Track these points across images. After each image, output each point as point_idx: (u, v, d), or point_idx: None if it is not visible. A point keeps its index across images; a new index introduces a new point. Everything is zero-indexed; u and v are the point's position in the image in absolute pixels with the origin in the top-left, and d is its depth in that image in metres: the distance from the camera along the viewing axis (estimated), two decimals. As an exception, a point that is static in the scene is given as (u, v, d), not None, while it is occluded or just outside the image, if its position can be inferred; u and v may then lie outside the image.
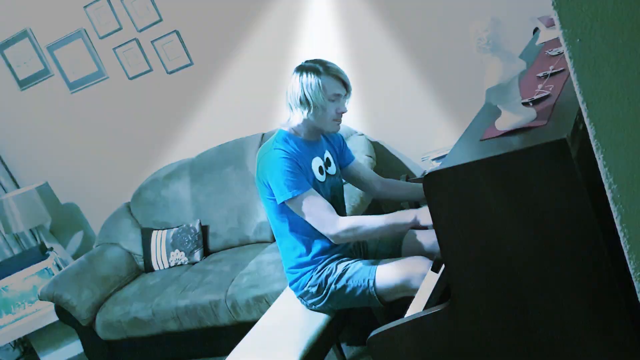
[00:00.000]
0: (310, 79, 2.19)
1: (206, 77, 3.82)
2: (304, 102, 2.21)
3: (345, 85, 2.26)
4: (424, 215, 2.06)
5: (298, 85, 2.21)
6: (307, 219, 2.19)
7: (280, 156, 2.19)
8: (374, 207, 3.20)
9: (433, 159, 3.18)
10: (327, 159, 2.39)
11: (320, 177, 2.30)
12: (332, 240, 2.21)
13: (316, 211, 2.17)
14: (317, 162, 2.31)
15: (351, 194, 2.95)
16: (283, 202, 2.19)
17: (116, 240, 3.99)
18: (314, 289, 2.29)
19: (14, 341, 4.37)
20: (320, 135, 2.38)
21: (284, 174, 2.16)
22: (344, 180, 2.53)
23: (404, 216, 2.12)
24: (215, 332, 3.20)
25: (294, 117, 2.25)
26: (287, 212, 2.25)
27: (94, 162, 4.43)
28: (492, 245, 1.47)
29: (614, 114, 1.07)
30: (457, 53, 3.15)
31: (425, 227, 2.11)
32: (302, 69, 2.24)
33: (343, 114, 2.28)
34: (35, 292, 3.91)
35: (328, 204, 2.20)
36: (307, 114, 2.22)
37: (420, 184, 2.41)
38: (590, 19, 1.03)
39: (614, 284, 1.38)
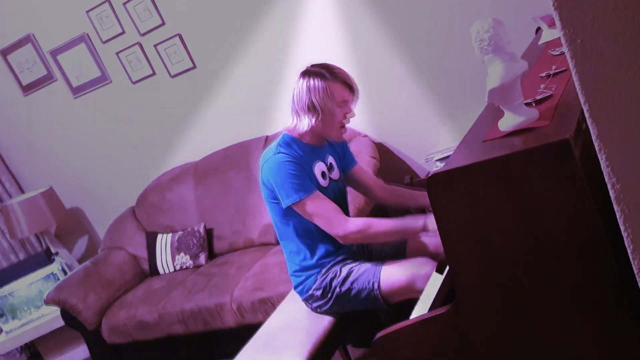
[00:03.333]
0: (317, 85, 2.17)
1: (209, 80, 3.83)
2: (312, 108, 2.19)
3: (352, 89, 2.25)
4: (432, 221, 2.06)
5: (305, 91, 2.19)
6: (315, 221, 2.18)
7: (284, 160, 2.18)
8: (379, 209, 3.19)
9: (437, 160, 3.18)
10: (330, 163, 2.38)
11: (323, 182, 2.29)
12: (340, 241, 2.20)
13: (324, 213, 2.17)
14: (319, 167, 2.30)
15: (355, 196, 2.95)
16: (289, 206, 2.19)
17: (121, 244, 4.00)
18: (318, 292, 2.28)
19: (21, 346, 4.39)
20: (324, 140, 2.37)
21: (289, 178, 2.16)
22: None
23: (414, 222, 2.12)
24: (221, 335, 3.20)
25: (302, 124, 2.22)
26: (292, 215, 2.25)
27: (98, 167, 4.44)
28: (495, 246, 1.47)
29: (616, 113, 1.07)
30: (459, 54, 3.15)
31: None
32: (307, 73, 2.22)
33: (351, 118, 2.28)
34: (41, 297, 3.92)
35: (335, 205, 2.20)
36: (316, 120, 2.20)
37: (422, 191, 2.42)
38: (592, 18, 1.03)
39: (619, 284, 1.38)
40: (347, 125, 2.36)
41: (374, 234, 2.17)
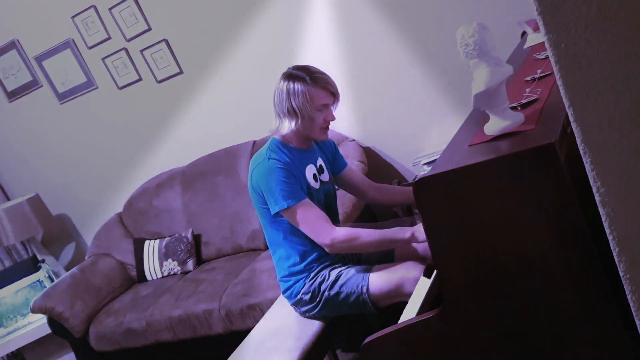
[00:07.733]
0: (297, 89, 2.17)
1: (196, 86, 3.82)
2: (292, 112, 2.19)
3: (333, 94, 2.25)
4: (420, 231, 2.05)
5: (285, 94, 2.19)
6: (302, 228, 2.18)
7: (274, 166, 2.18)
8: (367, 212, 3.20)
9: (424, 164, 3.19)
10: (320, 166, 2.38)
11: (315, 185, 2.30)
12: (327, 250, 2.19)
13: (311, 221, 2.16)
14: (310, 170, 2.30)
15: (343, 200, 2.95)
16: (277, 212, 2.19)
17: (108, 251, 3.98)
18: (307, 297, 2.28)
19: (7, 355, 4.34)
20: (312, 143, 2.37)
21: (278, 184, 2.15)
22: (336, 187, 2.53)
23: (401, 232, 2.11)
24: (209, 342, 3.18)
25: (283, 127, 2.23)
26: (281, 221, 2.24)
27: (85, 173, 4.41)
28: (482, 250, 1.47)
29: (600, 117, 1.08)
30: (445, 59, 3.16)
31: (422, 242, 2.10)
32: (289, 76, 2.21)
33: (331, 122, 2.28)
34: (27, 305, 3.89)
35: (323, 213, 2.19)
36: (295, 123, 2.20)
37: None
38: (575, 23, 1.04)
39: (605, 286, 1.39)
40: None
41: (361, 245, 2.16)
